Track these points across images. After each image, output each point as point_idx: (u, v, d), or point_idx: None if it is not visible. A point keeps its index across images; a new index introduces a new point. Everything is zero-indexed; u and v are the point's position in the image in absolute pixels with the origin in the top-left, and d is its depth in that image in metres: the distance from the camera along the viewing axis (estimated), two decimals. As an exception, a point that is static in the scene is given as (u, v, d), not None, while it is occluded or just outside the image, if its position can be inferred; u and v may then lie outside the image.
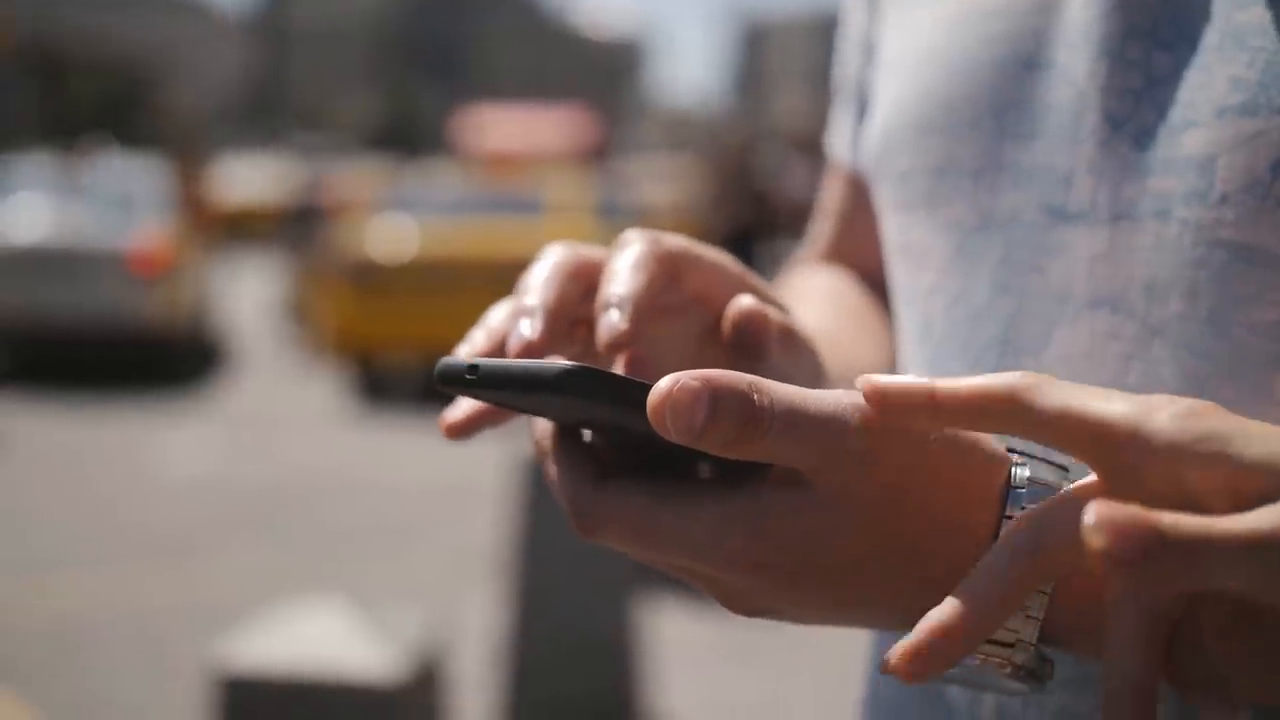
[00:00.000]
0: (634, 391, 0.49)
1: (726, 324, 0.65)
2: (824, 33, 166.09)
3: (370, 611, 3.02)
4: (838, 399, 0.49)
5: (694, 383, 0.47)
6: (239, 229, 26.89)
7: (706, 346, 0.68)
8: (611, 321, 0.59)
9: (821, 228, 0.95)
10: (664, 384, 0.47)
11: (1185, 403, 0.46)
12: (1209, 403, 0.47)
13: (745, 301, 0.65)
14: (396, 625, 2.98)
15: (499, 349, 0.64)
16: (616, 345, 0.59)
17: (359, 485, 7.38)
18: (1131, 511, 0.41)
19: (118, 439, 8.48)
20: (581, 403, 0.48)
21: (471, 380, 0.50)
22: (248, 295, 17.40)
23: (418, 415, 9.46)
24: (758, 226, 9.53)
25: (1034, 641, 0.51)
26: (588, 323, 0.68)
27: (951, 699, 0.67)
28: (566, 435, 0.55)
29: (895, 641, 0.72)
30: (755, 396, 0.47)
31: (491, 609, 5.15)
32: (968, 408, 0.48)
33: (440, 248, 9.76)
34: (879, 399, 0.48)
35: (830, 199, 0.94)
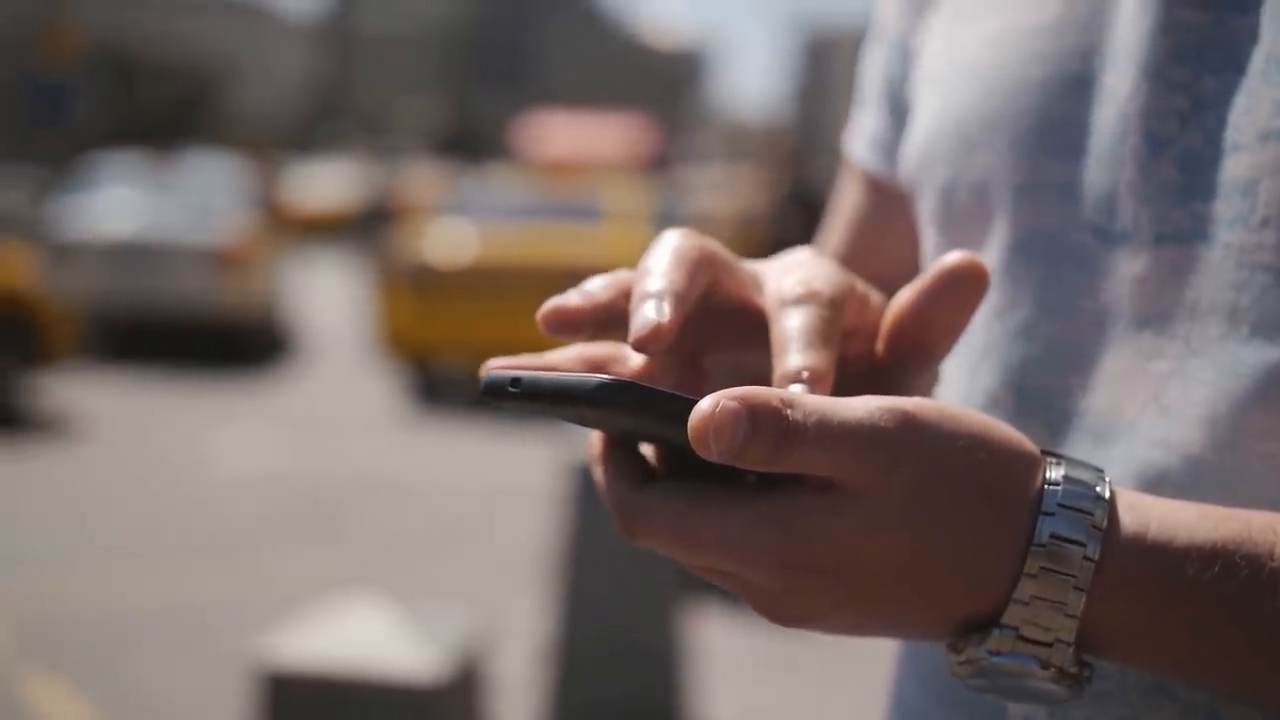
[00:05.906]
0: (672, 405, 0.49)
1: (906, 317, 0.60)
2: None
3: (414, 611, 3.04)
4: (866, 405, 0.49)
5: (733, 404, 0.47)
6: (316, 230, 27.19)
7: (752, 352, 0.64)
8: (649, 316, 0.55)
9: (832, 231, 0.92)
10: (705, 405, 0.47)
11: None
12: None
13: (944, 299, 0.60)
14: (439, 625, 2.99)
15: (597, 312, 0.59)
16: (658, 338, 0.54)
17: (410, 486, 7.43)
18: None
19: (181, 431, 8.58)
20: (621, 415, 0.49)
21: (514, 393, 0.51)
22: (321, 295, 17.59)
23: (471, 418, 9.51)
24: (807, 238, 9.50)
25: (1072, 641, 0.50)
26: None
27: (976, 711, 0.66)
28: (613, 441, 0.56)
29: (919, 653, 0.71)
30: (789, 412, 0.48)
31: (537, 612, 5.16)
32: None
33: (498, 253, 9.81)
34: None
35: (844, 202, 0.91)
